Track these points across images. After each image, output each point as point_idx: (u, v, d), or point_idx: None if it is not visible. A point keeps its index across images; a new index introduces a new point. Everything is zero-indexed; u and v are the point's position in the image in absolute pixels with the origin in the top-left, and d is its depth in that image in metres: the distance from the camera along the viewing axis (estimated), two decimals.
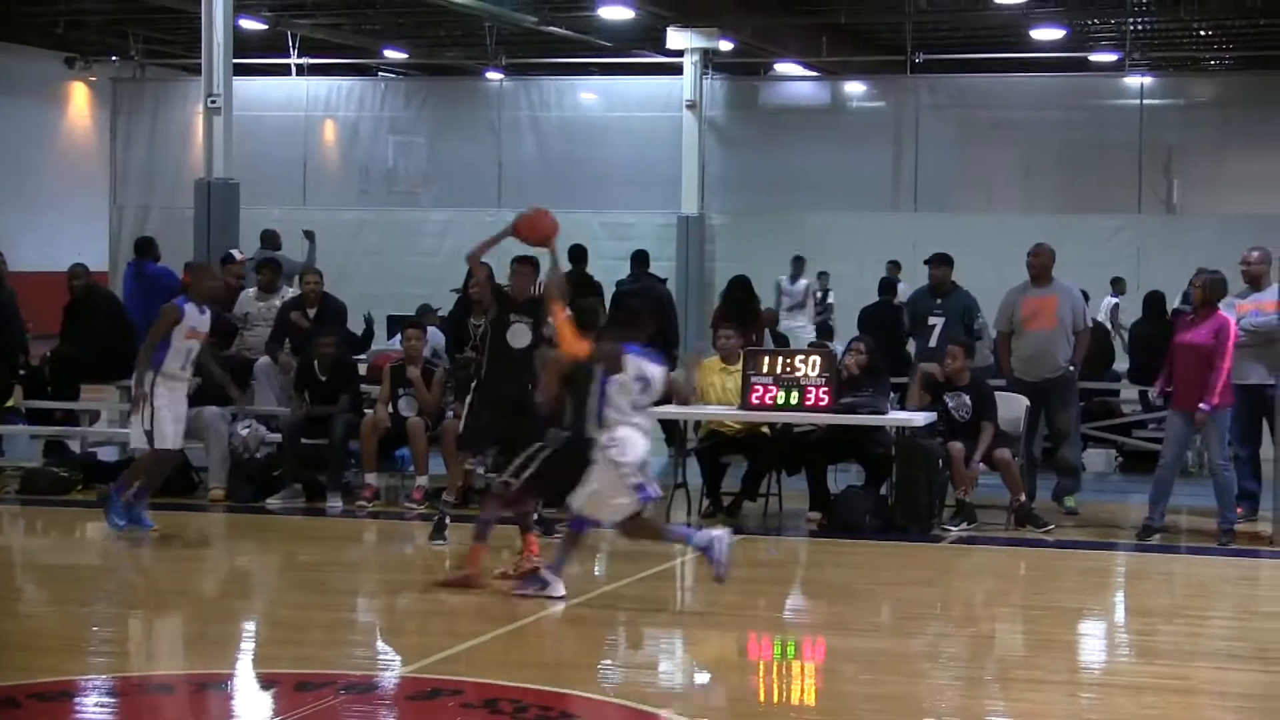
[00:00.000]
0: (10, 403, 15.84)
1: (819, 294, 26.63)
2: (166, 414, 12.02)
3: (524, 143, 30.87)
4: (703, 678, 9.11)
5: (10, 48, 31.77)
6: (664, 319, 17.23)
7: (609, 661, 9.24)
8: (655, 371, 10.16)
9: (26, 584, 11.63)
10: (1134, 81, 28.97)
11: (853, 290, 24.50)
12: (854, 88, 31.53)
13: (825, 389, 12.91)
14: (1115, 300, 23.81)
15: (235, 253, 17.11)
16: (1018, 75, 29.90)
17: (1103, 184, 28.01)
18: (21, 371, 16.12)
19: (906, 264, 23.19)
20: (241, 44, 22.02)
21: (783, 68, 32.36)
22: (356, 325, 16.45)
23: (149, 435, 12.02)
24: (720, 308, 17.73)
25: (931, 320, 14.61)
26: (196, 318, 12.18)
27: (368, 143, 31.90)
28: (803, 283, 26.62)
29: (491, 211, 30.05)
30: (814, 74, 32.03)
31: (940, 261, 14.88)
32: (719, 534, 10.10)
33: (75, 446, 15.58)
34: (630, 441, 10.05)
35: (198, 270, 12.79)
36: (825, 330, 22.44)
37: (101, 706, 8.22)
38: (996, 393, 13.40)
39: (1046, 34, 28.50)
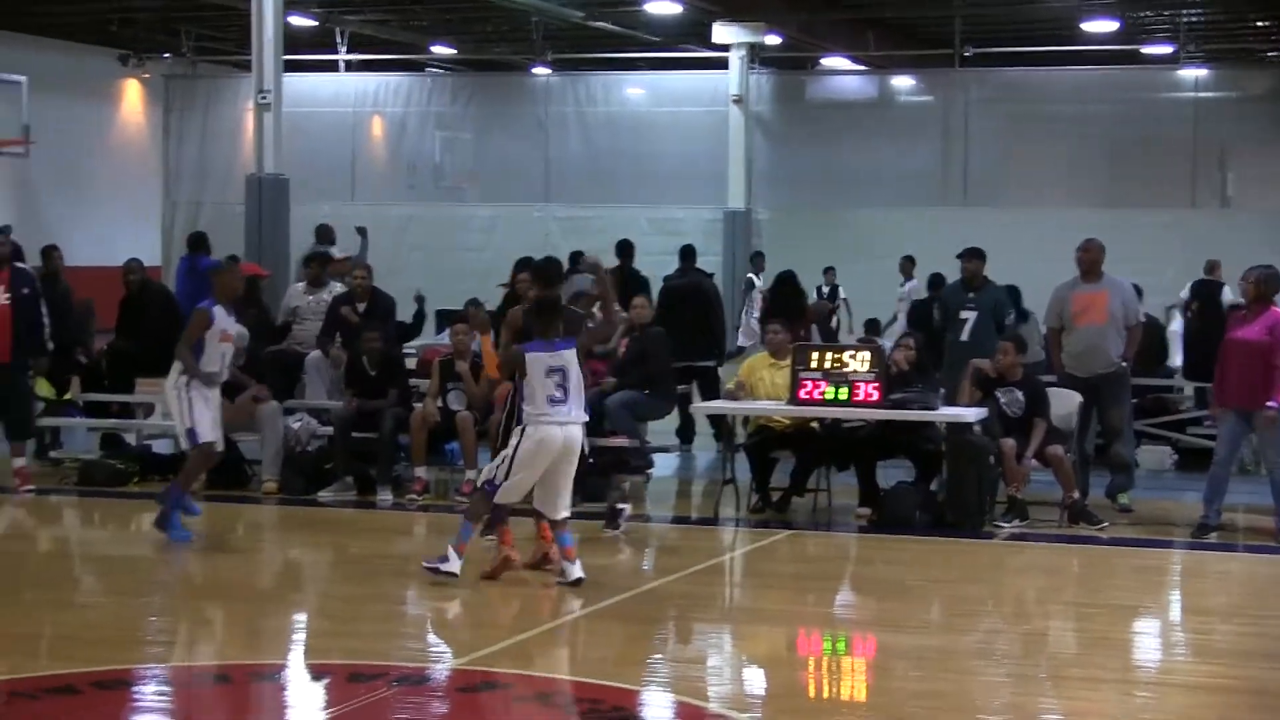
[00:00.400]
0: (68, 396, 15.97)
1: (825, 290, 26.57)
2: (204, 410, 11.94)
3: (570, 138, 30.93)
4: (752, 673, 9.10)
5: (65, 45, 32.00)
6: (710, 314, 17.24)
7: (658, 656, 9.24)
8: (565, 358, 10.41)
9: (84, 575, 11.71)
10: (1188, 74, 28.80)
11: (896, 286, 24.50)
12: (902, 82, 31.46)
13: (875, 384, 12.87)
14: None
15: (334, 251, 17.10)
16: (1069, 68, 29.75)
17: (1156, 178, 27.86)
18: (83, 360, 16.25)
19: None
20: (291, 41, 22.14)
21: (829, 62, 32.29)
22: (407, 311, 16.47)
23: (191, 433, 11.95)
24: (768, 303, 17.72)
25: (964, 315, 14.55)
26: (226, 320, 12.09)
27: (415, 138, 32.04)
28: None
29: (538, 207, 30.18)
30: (861, 68, 31.95)
31: (972, 255, 14.80)
32: (453, 564, 10.41)
33: (131, 439, 15.68)
34: (539, 439, 10.29)
35: (222, 272, 12.65)
36: (873, 326, 22.37)
37: (159, 695, 8.29)
38: (1050, 388, 13.33)
39: (1098, 26, 28.36)
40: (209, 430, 11.97)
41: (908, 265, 25.38)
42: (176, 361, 11.95)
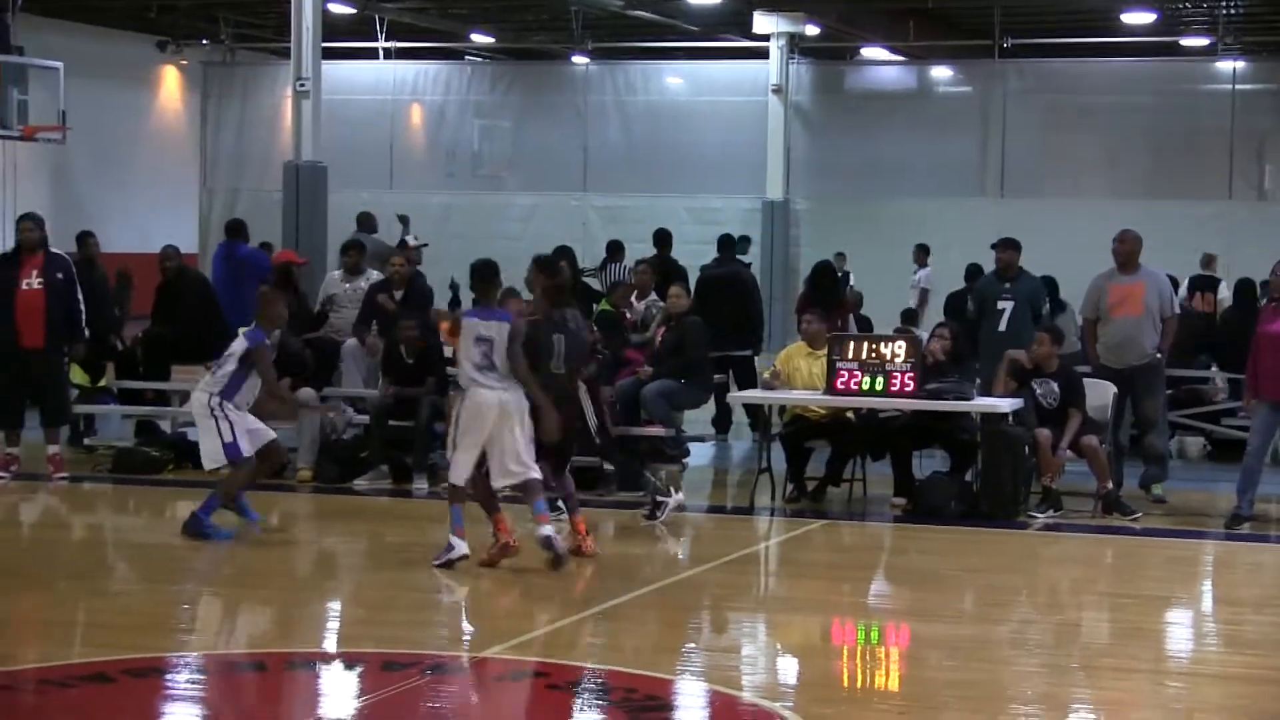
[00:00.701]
0: (102, 383, 16.05)
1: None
2: (242, 424, 11.83)
3: (609, 127, 30.92)
4: (786, 662, 9.11)
5: (103, 31, 32.13)
6: (748, 304, 17.22)
7: (693, 645, 9.25)
8: (494, 329, 10.51)
9: (118, 562, 11.78)
10: (1226, 66, 28.64)
11: (939, 277, 24.45)
12: (940, 72, 31.37)
13: (911, 374, 12.85)
14: None
15: (409, 239, 17.13)
16: (1107, 60, 29.62)
17: (1193, 170, 27.75)
18: (118, 347, 16.34)
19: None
20: (330, 28, 22.19)
21: (869, 52, 32.22)
22: (442, 298, 16.49)
23: (233, 447, 11.69)
24: (805, 293, 17.71)
25: (1000, 305, 14.53)
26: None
27: (454, 126, 32.06)
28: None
29: (577, 196, 30.20)
30: (900, 59, 31.88)
31: (1007, 245, 14.77)
32: (459, 549, 10.57)
33: (166, 426, 15.75)
34: (474, 404, 10.50)
35: (270, 299, 12.43)
36: (910, 316, 22.31)
37: (192, 683, 8.33)
38: (1085, 379, 13.30)
39: (1137, 18, 28.20)
40: (248, 445, 11.82)
41: (920, 254, 25.34)
42: (201, 386, 11.82)
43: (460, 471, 10.61)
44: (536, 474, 10.64)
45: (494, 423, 10.51)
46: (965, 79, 30.73)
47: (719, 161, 29.81)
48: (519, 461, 10.55)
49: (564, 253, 15.69)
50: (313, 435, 14.17)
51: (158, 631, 9.17)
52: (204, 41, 33.50)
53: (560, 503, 11.46)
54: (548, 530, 10.53)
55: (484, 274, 10.90)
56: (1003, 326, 14.34)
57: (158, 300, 16.23)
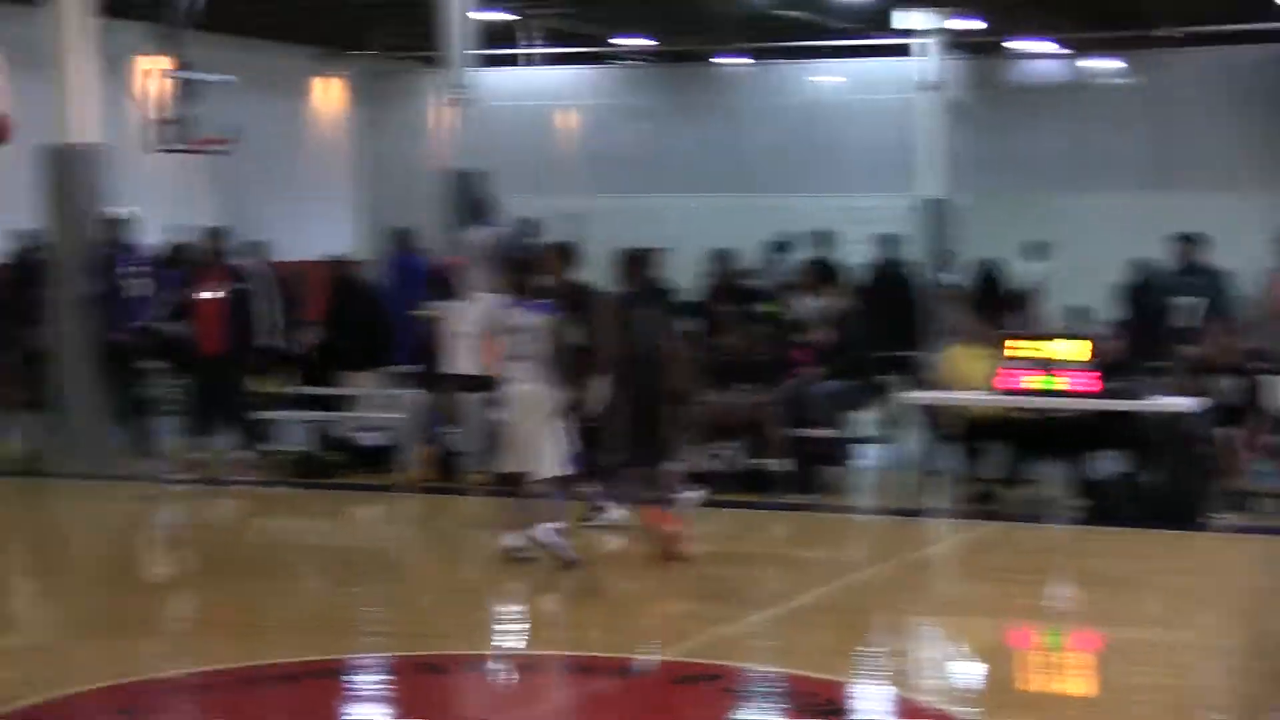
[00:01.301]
0: (279, 389, 16.26)
1: None
2: None
3: (762, 127, 30.91)
4: (967, 667, 8.96)
5: (262, 44, 32.64)
6: (910, 303, 17.09)
7: (870, 648, 9.10)
8: (530, 319, 10.73)
9: (301, 564, 11.90)
10: None
11: (1102, 272, 24.09)
12: (1104, 64, 30.94)
13: (1086, 373, 12.61)
14: None
15: None
16: (1276, 46, 29.01)
17: None
18: (296, 354, 16.58)
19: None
20: (482, 35, 22.32)
21: (1025, 45, 31.85)
22: None
23: None
24: (969, 292, 17.53)
25: (1184, 300, 14.26)
26: None
27: (605, 131, 32.23)
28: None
29: (732, 197, 30.16)
30: (1057, 50, 31.48)
31: (1188, 240, 14.54)
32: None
33: (341, 432, 15.91)
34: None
35: None
36: (1080, 315, 21.86)
37: (377, 684, 8.38)
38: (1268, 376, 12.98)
39: None
40: None
41: (1031, 252, 24.95)
42: None
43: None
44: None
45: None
46: (1126, 70, 30.30)
47: (873, 160, 29.66)
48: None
49: (644, 255, 15.59)
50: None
51: (331, 632, 9.27)
52: (360, 52, 33.93)
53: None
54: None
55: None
56: (1184, 322, 14.08)
57: (327, 308, 16.46)
